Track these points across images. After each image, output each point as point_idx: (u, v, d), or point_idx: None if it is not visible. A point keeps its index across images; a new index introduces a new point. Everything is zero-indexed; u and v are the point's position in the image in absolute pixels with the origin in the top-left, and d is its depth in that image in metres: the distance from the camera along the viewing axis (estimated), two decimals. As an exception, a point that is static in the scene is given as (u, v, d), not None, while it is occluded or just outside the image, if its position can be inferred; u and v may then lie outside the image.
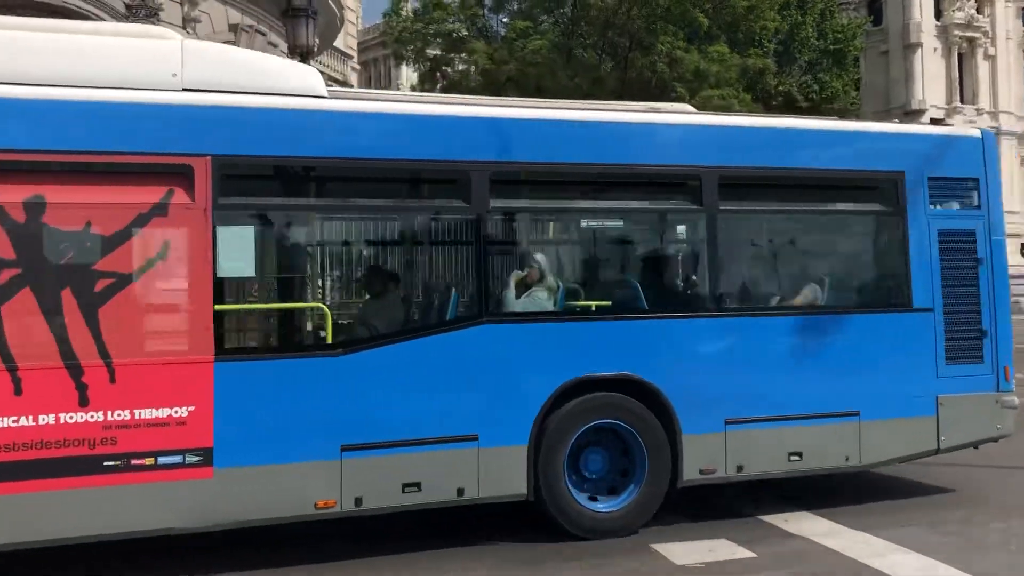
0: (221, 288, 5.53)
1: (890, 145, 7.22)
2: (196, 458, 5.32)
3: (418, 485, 5.75)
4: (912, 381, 6.94)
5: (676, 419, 6.30)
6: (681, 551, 5.99)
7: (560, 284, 6.56)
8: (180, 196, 5.36)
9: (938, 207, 7.20)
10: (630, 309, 6.63)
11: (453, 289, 6.40)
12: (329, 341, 5.81)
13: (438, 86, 26.49)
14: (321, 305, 6.67)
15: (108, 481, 5.17)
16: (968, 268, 7.18)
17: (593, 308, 6.64)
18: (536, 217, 7.24)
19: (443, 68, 27.10)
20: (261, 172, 5.85)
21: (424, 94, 8.79)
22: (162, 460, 5.26)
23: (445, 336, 6.01)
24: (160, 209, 5.33)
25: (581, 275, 7.22)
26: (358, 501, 5.63)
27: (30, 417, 5.04)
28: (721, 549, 6.04)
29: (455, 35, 26.63)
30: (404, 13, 28.05)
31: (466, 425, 5.86)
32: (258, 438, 5.44)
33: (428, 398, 5.80)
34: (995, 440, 7.30)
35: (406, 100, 6.79)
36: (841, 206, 7.25)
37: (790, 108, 26.71)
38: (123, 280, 5.27)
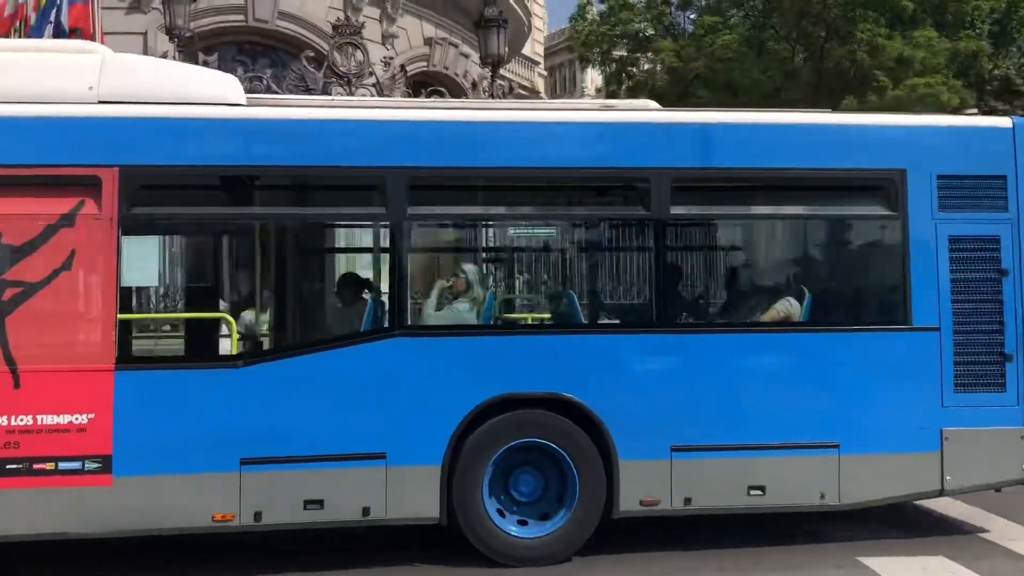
0: (124, 298, 5.61)
1: (887, 140, 6.30)
2: (95, 465, 5.35)
3: (321, 503, 5.57)
4: (909, 411, 6.02)
5: (612, 443, 5.78)
6: (894, 567, 5.69)
7: (490, 296, 6.24)
8: (89, 207, 5.44)
9: (950, 210, 6.19)
10: (562, 323, 6.33)
11: (369, 300, 6.15)
12: (233, 352, 5.80)
13: (623, 87, 26.42)
14: (226, 315, 6.35)
15: (9, 484, 5.26)
16: (988, 281, 6.16)
17: (530, 320, 6.22)
18: (463, 225, 6.81)
19: (629, 68, 27.00)
20: (169, 182, 5.76)
21: (352, 99, 7.78)
22: (62, 465, 5.32)
23: (353, 349, 5.77)
24: (68, 220, 5.42)
25: (516, 287, 6.83)
26: (257, 516, 5.51)
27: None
28: (936, 566, 5.68)
29: (641, 35, 26.47)
30: (590, 16, 28.18)
31: (374, 442, 5.61)
32: (156, 448, 5.41)
33: (333, 413, 5.59)
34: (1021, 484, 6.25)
35: (328, 106, 6.52)
36: (827, 210, 6.51)
37: (1008, 93, 24.61)
38: (30, 289, 5.39)
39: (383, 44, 13.54)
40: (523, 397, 5.78)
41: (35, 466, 5.31)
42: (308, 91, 11.37)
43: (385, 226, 5.95)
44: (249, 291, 6.71)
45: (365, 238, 6.47)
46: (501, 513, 5.90)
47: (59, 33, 12.22)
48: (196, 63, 10.48)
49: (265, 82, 11.26)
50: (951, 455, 5.99)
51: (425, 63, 17.23)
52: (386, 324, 5.86)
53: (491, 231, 7.06)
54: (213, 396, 5.53)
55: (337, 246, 6.83)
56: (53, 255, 5.42)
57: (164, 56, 12.96)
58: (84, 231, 5.45)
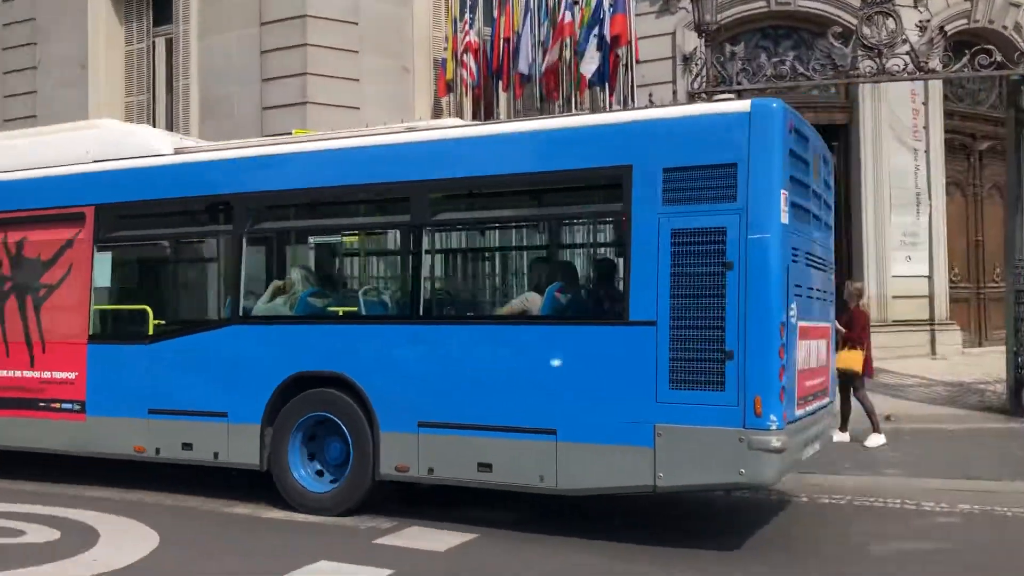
0: (95, 295, 8.03)
1: (614, 137, 6.25)
2: (78, 407, 7.91)
3: (191, 446, 7.41)
4: (624, 404, 5.93)
5: (375, 416, 6.67)
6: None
7: (303, 293, 7.32)
8: (83, 233, 8.04)
9: (676, 203, 5.91)
10: (345, 315, 7.40)
11: (228, 296, 7.66)
12: (149, 333, 7.81)
13: None
14: (146, 307, 8.07)
15: (36, 415, 8.08)
16: (711, 274, 5.75)
17: (341, 313, 7.42)
18: (288, 237, 8.12)
19: None
20: (122, 213, 8.02)
21: (246, 141, 9.03)
22: (64, 406, 7.98)
23: (208, 333, 7.59)
24: (70, 243, 8.12)
25: (328, 286, 7.82)
26: (157, 451, 7.56)
27: (20, 372, 8.24)
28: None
29: None
30: None
31: (219, 404, 7.26)
32: (106, 398, 7.78)
33: (197, 380, 7.44)
34: (743, 488, 6.44)
35: (210, 150, 8.12)
36: (566, 210, 7.00)
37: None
38: (51, 289, 8.19)
39: (915, 7, 12.53)
40: (316, 375, 6.98)
41: (52, 405, 8.06)
42: (836, 68, 11.02)
43: (230, 239, 7.65)
44: (160, 289, 8.90)
45: (222, 249, 8.04)
46: (320, 474, 7.11)
47: (602, 44, 13.47)
48: (723, 55, 10.78)
49: (789, 64, 11.18)
50: (664, 452, 5.79)
51: (966, 20, 15.57)
52: (227, 315, 7.54)
53: (310, 240, 8.16)
54: (135, 363, 7.76)
55: (208, 256, 8.57)
56: (63, 266, 8.16)
57: (692, 52, 13.55)
58: (78, 250, 8.12)
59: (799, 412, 6.12)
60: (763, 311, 5.66)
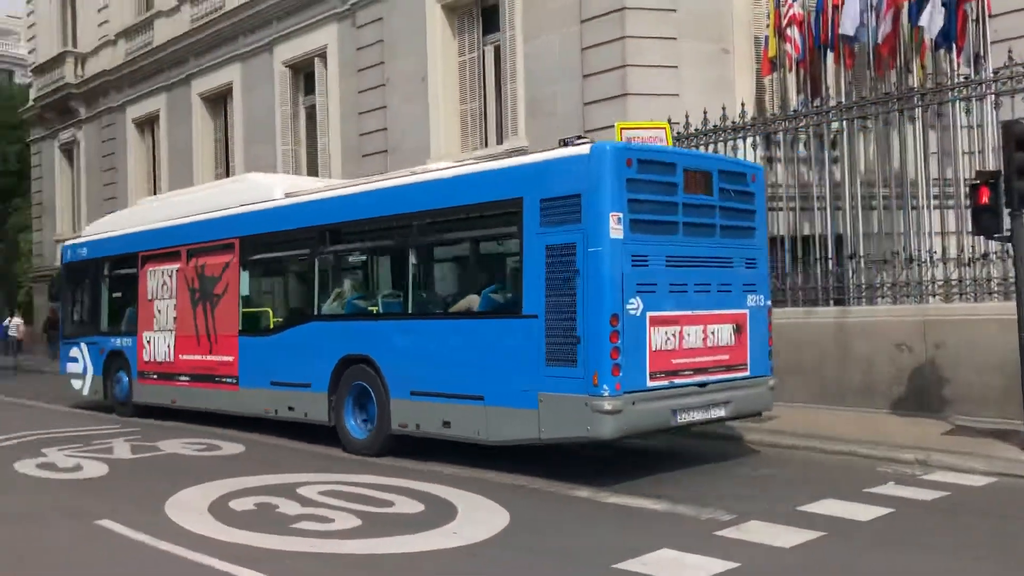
0: (242, 301, 11.61)
1: (510, 177, 8.40)
2: (234, 381, 11.52)
3: (293, 408, 10.61)
4: (521, 377, 7.94)
5: (387, 387, 9.34)
6: None
7: (350, 297, 10.40)
8: (234, 258, 11.58)
9: (548, 225, 7.84)
10: (369, 312, 10.10)
11: (309, 299, 10.66)
12: (270, 327, 11.33)
13: None
14: (268, 309, 11.71)
15: (211, 387, 11.84)
16: (568, 279, 7.64)
17: (376, 311, 10.04)
18: (344, 256, 11.03)
19: None
20: (253, 242, 11.43)
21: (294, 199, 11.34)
22: (227, 380, 11.58)
23: (299, 327, 10.78)
24: (228, 264, 11.64)
25: (365, 291, 10.71)
26: (276, 411, 10.84)
27: (204, 356, 12.01)
28: None
29: None
30: None
31: (306, 378, 10.33)
32: (249, 374, 11.29)
33: (295, 361, 10.58)
34: (590, 441, 7.85)
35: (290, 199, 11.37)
36: (490, 232, 8.96)
37: None
38: (218, 297, 11.77)
39: None
40: (355, 356, 9.72)
41: (219, 379, 11.74)
42: None
43: (308, 257, 10.68)
44: (275, 295, 12.30)
45: (306, 265, 10.85)
46: (365, 423, 9.75)
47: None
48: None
49: None
50: (544, 413, 7.79)
51: None
52: (309, 313, 10.62)
53: (351, 258, 11.13)
54: (262, 348, 11.22)
55: (300, 270, 11.28)
56: (225, 282, 11.74)
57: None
58: (232, 269, 11.66)
59: (654, 384, 7.79)
60: (597, 306, 7.50)
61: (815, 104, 13.22)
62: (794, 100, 14.07)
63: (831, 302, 12.21)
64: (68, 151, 29.51)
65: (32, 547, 6.27)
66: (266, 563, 5.63)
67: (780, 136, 12.90)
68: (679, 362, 8.03)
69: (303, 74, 20.90)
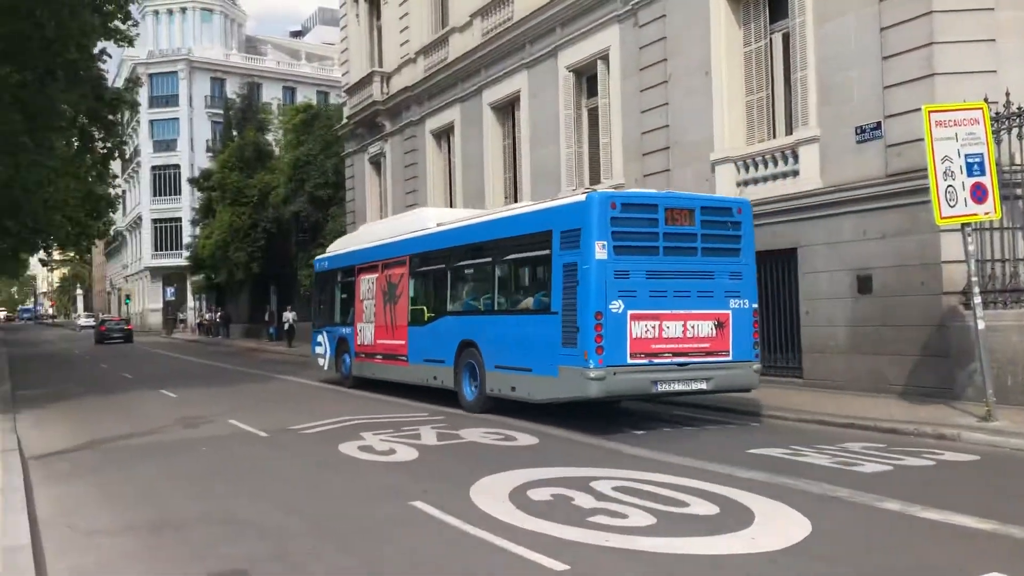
0: (410, 302, 16.12)
1: (545, 216, 12.27)
2: (405, 359, 16.08)
3: (436, 378, 14.90)
4: (550, 355, 11.62)
5: (483, 362, 13.36)
6: None
7: (467, 299, 14.55)
8: (405, 270, 16.20)
9: (564, 248, 11.59)
10: (475, 310, 14.19)
11: (448, 304, 14.91)
12: (424, 320, 15.58)
13: None
14: (424, 307, 15.80)
15: (388, 363, 16.76)
16: (572, 286, 11.34)
17: (478, 308, 14.18)
18: (461, 268, 14.84)
19: None
20: (423, 256, 15.82)
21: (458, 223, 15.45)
22: (400, 358, 16.19)
23: (439, 320, 15.00)
24: (402, 275, 16.29)
25: (464, 296, 14.78)
26: (431, 380, 15.08)
27: (389, 341, 16.73)
28: None
29: None
30: None
31: (442, 356, 14.55)
32: (413, 353, 15.79)
33: (437, 344, 14.82)
34: (585, 400, 11.29)
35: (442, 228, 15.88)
36: (532, 253, 12.73)
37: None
38: (397, 298, 16.45)
39: None
40: (467, 340, 13.90)
41: (397, 357, 16.33)
42: None
43: (445, 269, 15.06)
44: (429, 296, 15.86)
45: (445, 274, 15.20)
46: (474, 390, 13.77)
47: None
48: None
49: None
50: (561, 380, 11.45)
51: None
52: (444, 310, 14.91)
53: (466, 272, 14.95)
54: (420, 334, 15.46)
55: (442, 278, 15.30)
56: (400, 287, 16.32)
57: None
58: (404, 278, 16.12)
59: (633, 362, 11.09)
60: (587, 306, 11.01)
61: None
62: None
63: None
64: (376, 162, 32.36)
65: (361, 524, 6.93)
66: (566, 553, 5.81)
67: None
68: (659, 346, 11.34)
69: (585, 77, 21.34)
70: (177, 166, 70.70)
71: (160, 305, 69.37)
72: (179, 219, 69.66)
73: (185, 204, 67.84)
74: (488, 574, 5.54)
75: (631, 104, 19.14)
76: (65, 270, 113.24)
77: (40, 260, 65.07)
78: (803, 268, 15.21)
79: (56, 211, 36.89)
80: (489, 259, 13.68)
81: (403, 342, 16.23)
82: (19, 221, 36.13)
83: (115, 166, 38.52)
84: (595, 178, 21.01)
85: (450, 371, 14.34)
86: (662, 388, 11.31)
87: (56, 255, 70.68)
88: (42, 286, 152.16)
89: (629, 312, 11.09)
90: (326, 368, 20.27)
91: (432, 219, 16.40)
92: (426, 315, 15.57)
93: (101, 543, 6.57)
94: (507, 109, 24.49)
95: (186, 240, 61.44)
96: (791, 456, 9.28)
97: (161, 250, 72.01)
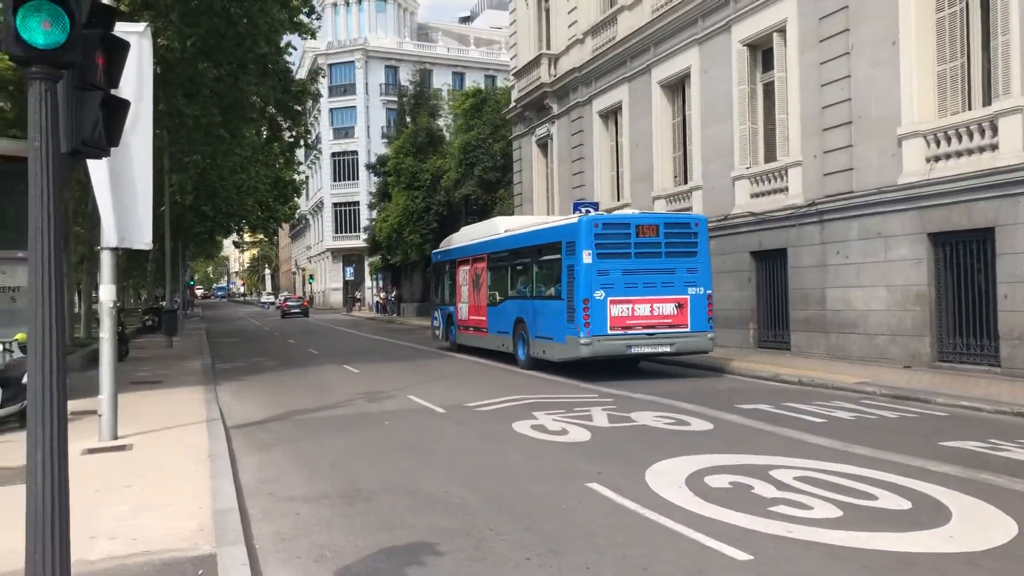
0: (488, 289, 21.54)
1: (558, 231, 17.14)
2: (485, 330, 21.57)
3: (503, 344, 20.16)
4: (562, 327, 16.55)
5: (529, 333, 18.31)
6: None
7: (519, 288, 19.42)
8: (485, 265, 21.73)
9: (567, 255, 16.46)
10: (523, 295, 19.02)
11: (509, 290, 20.03)
12: (496, 302, 20.82)
13: None
14: (496, 292, 20.92)
15: (478, 334, 22.25)
16: (571, 281, 16.23)
17: (525, 294, 19.06)
18: (516, 264, 19.74)
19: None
20: (491, 257, 21.36)
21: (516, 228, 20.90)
22: (482, 330, 21.84)
23: (505, 302, 20.13)
24: (481, 269, 21.99)
25: (518, 285, 19.62)
26: (502, 346, 20.38)
27: (475, 317, 22.40)
28: None
29: None
30: None
31: (506, 329, 19.90)
32: (491, 326, 21.15)
33: (503, 319, 20.05)
34: (579, 360, 16.19)
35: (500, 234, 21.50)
36: (554, 256, 17.23)
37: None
38: (480, 285, 22.02)
39: None
40: (519, 317, 19.10)
41: (480, 329, 22.04)
42: None
43: (510, 265, 20.23)
44: (499, 285, 20.90)
45: (509, 270, 20.36)
46: (524, 353, 18.82)
47: None
48: None
49: None
50: (566, 345, 16.41)
51: None
52: (507, 295, 20.19)
53: (519, 268, 19.70)
54: (496, 311, 20.83)
55: (508, 273, 20.30)
56: (479, 278, 21.99)
57: None
58: (483, 271, 21.67)
59: (612, 332, 16.00)
60: (578, 294, 16.06)
61: None
62: None
63: None
64: (543, 144, 32.60)
65: (539, 503, 7.08)
66: (747, 543, 5.71)
67: None
68: (632, 322, 16.06)
69: (760, 51, 20.61)
70: (355, 152, 73.85)
71: (340, 284, 73.30)
72: (357, 203, 72.85)
73: (363, 188, 70.88)
74: (671, 560, 5.53)
75: (810, 78, 18.34)
76: (255, 251, 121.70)
77: (233, 242, 70.16)
78: (1001, 248, 14.14)
79: (247, 196, 39.71)
80: (529, 259, 18.85)
81: (484, 318, 21.55)
82: (215, 206, 39.39)
83: (299, 153, 40.82)
84: (770, 155, 20.32)
85: (510, 339, 19.64)
86: (635, 351, 16.18)
87: (247, 237, 76.67)
88: (234, 266, 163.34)
89: (609, 298, 15.97)
90: (440, 336, 25.78)
91: (501, 225, 21.65)
92: (497, 298, 20.77)
93: (299, 510, 7.04)
94: (677, 87, 24.04)
95: (363, 223, 64.48)
96: (989, 450, 8.70)
97: (341, 232, 75.59)
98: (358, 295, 69.54)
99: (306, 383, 16.81)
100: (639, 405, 12.51)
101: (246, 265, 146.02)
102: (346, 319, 53.59)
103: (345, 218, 75.20)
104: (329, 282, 77.41)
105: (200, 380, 16.60)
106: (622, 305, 15.93)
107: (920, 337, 15.77)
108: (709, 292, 16.47)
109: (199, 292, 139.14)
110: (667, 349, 16.19)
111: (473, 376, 17.57)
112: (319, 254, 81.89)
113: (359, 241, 66.10)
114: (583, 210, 20.28)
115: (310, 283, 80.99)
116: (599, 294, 15.84)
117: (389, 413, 12.32)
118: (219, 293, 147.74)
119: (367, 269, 66.71)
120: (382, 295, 58.86)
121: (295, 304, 59.57)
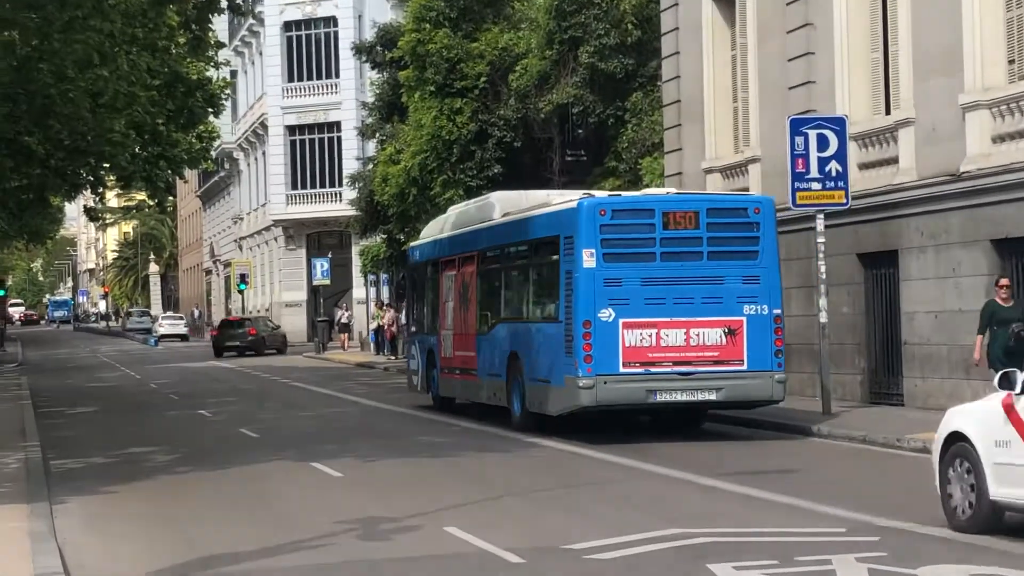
0: (479, 301, 15.38)
1: (551, 217, 13.31)
2: (473, 371, 15.53)
3: (494, 396, 14.69)
4: (560, 365, 12.41)
5: (524, 374, 13.36)
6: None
7: (514, 307, 14.58)
8: (472, 270, 15.47)
9: (564, 255, 12.48)
10: (517, 317, 14.24)
11: (502, 310, 14.67)
12: (485, 330, 14.90)
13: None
14: (488, 311, 15.39)
15: (466, 377, 15.76)
16: (568, 295, 12.28)
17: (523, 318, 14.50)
18: (508, 274, 15.20)
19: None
20: (484, 255, 15.27)
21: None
22: (467, 371, 15.59)
23: (496, 328, 14.54)
24: (469, 275, 15.45)
25: (512, 302, 14.79)
26: (491, 398, 15.05)
27: (457, 350, 16.10)
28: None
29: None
30: None
31: (499, 368, 14.08)
32: (485, 365, 14.96)
33: (495, 352, 14.43)
34: (578, 409, 12.23)
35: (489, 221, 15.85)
36: (551, 258, 13.17)
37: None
38: (466, 301, 15.60)
39: None
40: (513, 352, 13.72)
41: (460, 368, 16.35)
42: None
43: (491, 275, 15.53)
44: (500, 300, 15.47)
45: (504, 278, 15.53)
46: (521, 402, 13.53)
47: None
48: None
49: None
50: (561, 390, 12.37)
51: None
52: (500, 316, 14.68)
53: (511, 275, 15.02)
54: (487, 342, 14.71)
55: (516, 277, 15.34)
56: (468, 289, 15.93)
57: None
58: (473, 274, 15.60)
59: (627, 370, 11.84)
60: (577, 314, 11.92)
61: None
62: None
63: None
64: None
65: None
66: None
67: None
68: (657, 355, 11.88)
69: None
70: (332, 21, 41.71)
71: (303, 295, 44.33)
72: (336, 126, 42.25)
73: (347, 97, 41.68)
74: None
75: None
76: (128, 227, 73.76)
77: (85, 209, 33.48)
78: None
79: (113, 115, 18.32)
80: (525, 262, 14.83)
81: (473, 354, 18.06)
82: (47, 135, 18.52)
83: (218, 26, 20.11)
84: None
85: (501, 383, 15.30)
86: (661, 398, 11.91)
87: (113, 199, 43.83)
88: (86, 258, 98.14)
89: (621, 320, 11.74)
90: (418, 388, 20.31)
91: (498, 211, 15.70)
92: (489, 322, 18.86)
93: None
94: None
95: (349, 169, 37.69)
96: None
97: (303, 186, 43.60)
98: (340, 316, 39.43)
99: (242, 498, 9.96)
100: (930, 555, 6.19)
101: (111, 257, 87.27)
102: (318, 366, 32.89)
103: (311, 158, 43.86)
104: (280, 289, 46.67)
105: (15, 494, 9.44)
106: (642, 330, 11.78)
107: None
108: (777, 312, 12.05)
109: (17, 312, 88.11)
110: (711, 396, 11.98)
111: (566, 471, 10.93)
112: (257, 232, 49.27)
113: (341, 205, 38.74)
114: (806, 132, 12.80)
115: (240, 291, 45.39)
116: (606, 314, 11.69)
117: (411, 566, 6.42)
118: (57, 313, 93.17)
119: (356, 261, 38.07)
120: (386, 315, 32.47)
121: (236, 333, 37.90)
